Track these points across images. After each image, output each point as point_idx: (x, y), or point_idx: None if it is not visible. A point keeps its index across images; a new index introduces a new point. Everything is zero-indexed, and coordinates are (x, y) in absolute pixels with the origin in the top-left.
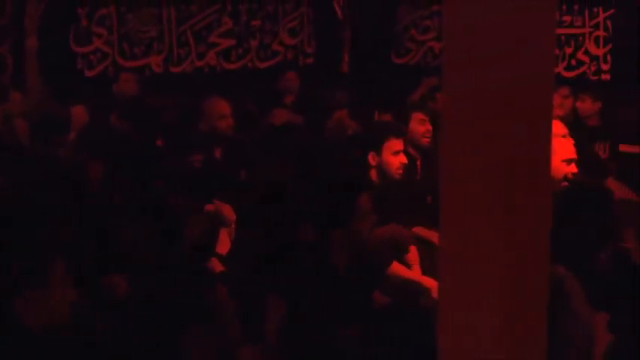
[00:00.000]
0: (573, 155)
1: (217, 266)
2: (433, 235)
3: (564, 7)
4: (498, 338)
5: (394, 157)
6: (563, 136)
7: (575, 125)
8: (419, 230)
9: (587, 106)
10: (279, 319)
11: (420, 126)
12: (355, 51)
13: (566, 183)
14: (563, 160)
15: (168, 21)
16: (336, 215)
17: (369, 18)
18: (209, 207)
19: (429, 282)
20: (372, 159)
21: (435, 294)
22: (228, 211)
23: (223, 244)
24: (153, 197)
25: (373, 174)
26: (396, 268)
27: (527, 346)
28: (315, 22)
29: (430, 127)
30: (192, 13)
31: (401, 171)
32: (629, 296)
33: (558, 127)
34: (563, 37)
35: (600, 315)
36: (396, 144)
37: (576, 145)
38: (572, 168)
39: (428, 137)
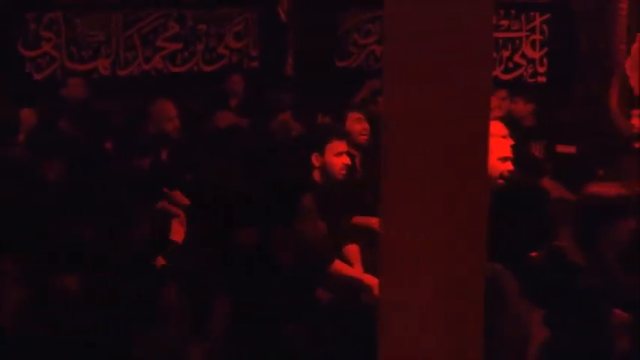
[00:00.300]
0: (509, 153)
1: (160, 261)
2: (373, 222)
3: (502, 11)
4: (436, 336)
5: (337, 158)
6: (504, 137)
7: (512, 126)
8: (358, 219)
9: (520, 107)
10: (225, 317)
11: (357, 125)
12: (299, 54)
13: (501, 181)
14: (499, 159)
15: (116, 25)
16: (280, 215)
17: (313, 22)
18: (159, 205)
19: (370, 279)
20: (315, 160)
21: (376, 291)
22: (179, 196)
23: (177, 233)
24: (103, 198)
25: (316, 175)
26: (338, 266)
27: (465, 343)
28: (259, 26)
29: (367, 126)
30: (139, 18)
31: (344, 172)
32: (565, 294)
33: (498, 128)
34: (500, 41)
35: (536, 312)
36: (339, 145)
37: (513, 146)
38: (508, 166)
39: (365, 135)
